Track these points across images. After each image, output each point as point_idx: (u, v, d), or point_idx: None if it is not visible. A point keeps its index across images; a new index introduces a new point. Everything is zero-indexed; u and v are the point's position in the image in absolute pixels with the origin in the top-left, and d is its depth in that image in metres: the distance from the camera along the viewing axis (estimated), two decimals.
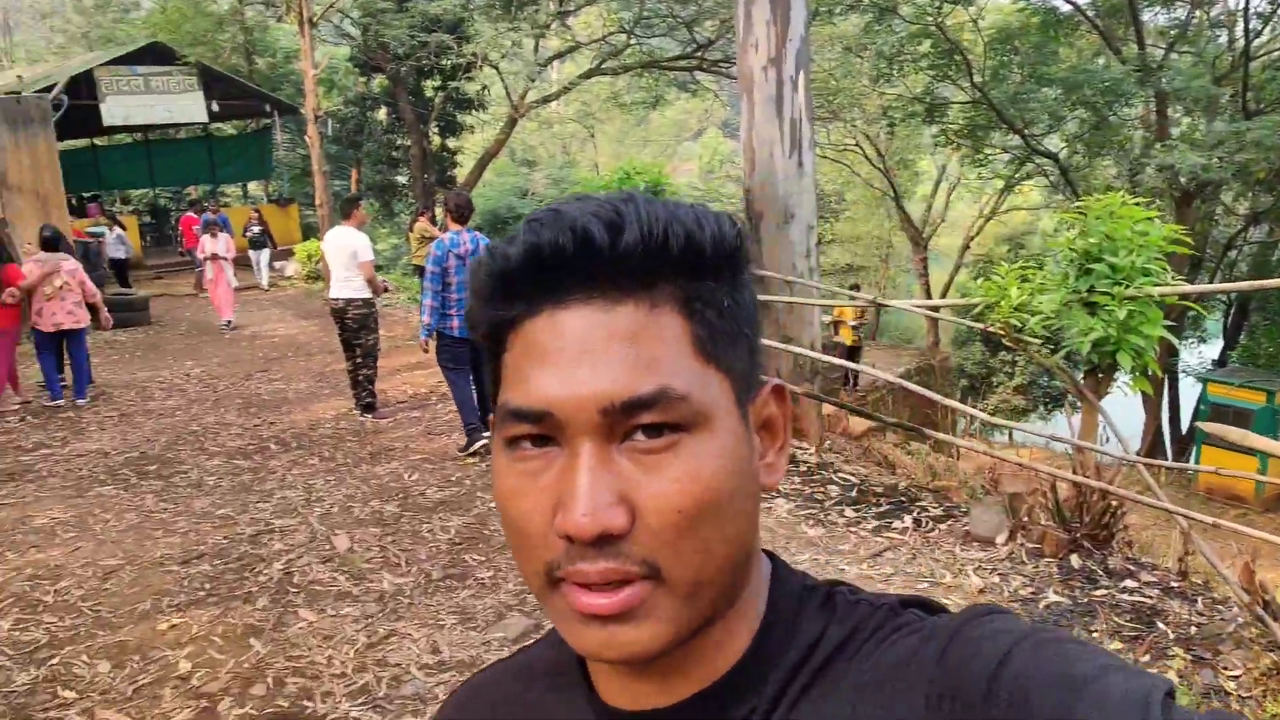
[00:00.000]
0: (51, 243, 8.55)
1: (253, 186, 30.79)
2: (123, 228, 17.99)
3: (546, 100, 24.89)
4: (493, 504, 5.43)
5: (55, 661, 3.76)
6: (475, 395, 6.40)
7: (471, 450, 6.37)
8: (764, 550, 0.63)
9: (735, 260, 0.57)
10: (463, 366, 6.37)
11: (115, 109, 20.55)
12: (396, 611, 4.11)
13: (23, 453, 7.05)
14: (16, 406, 8.40)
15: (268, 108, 24.08)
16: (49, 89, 15.52)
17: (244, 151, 26.62)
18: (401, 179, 28.37)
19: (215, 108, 22.30)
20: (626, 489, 0.52)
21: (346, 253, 7.21)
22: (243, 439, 7.18)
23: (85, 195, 23.48)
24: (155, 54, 21.51)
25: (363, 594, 4.30)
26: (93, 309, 8.74)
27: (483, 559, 4.64)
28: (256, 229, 17.57)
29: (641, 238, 0.53)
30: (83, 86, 19.32)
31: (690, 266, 0.55)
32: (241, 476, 6.21)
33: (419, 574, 4.50)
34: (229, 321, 13.10)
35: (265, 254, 17.75)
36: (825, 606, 0.62)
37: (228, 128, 28.31)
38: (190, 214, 18.97)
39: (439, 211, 15.93)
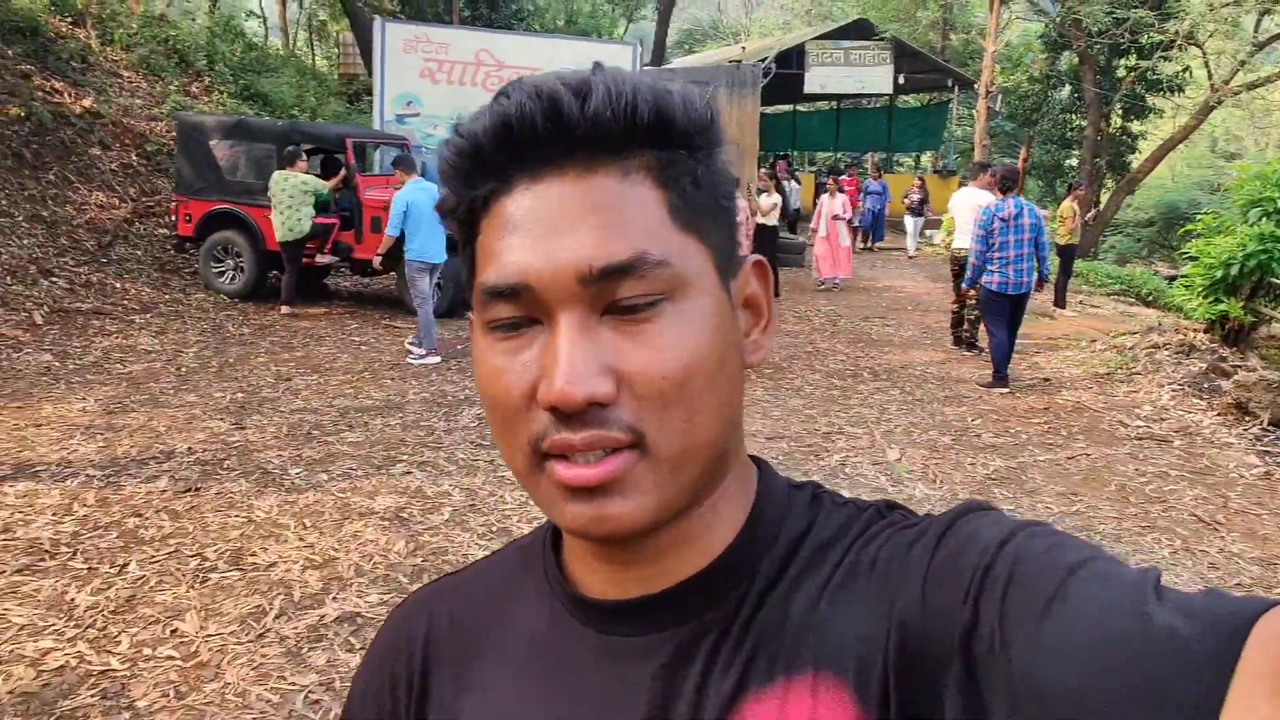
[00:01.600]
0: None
1: (925, 157, 32.35)
2: (798, 182, 20.47)
3: (1257, 85, 21.99)
4: (1040, 456, 5.75)
5: None
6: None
7: (991, 385, 7.44)
8: (750, 455, 0.63)
9: (707, 134, 0.56)
10: (999, 318, 7.28)
11: (815, 78, 23.26)
12: (917, 511, 4.79)
13: None
14: None
15: (949, 82, 25.08)
16: (764, 60, 18.35)
17: (921, 122, 27.99)
18: (1072, 161, 27.49)
19: (901, 80, 23.93)
20: (610, 358, 0.51)
21: (970, 209, 7.85)
22: (843, 364, 8.32)
23: (778, 154, 26.92)
24: (858, 30, 23.77)
25: (895, 493, 5.04)
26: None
27: (1009, 496, 5.06)
28: (916, 197, 17.86)
29: (610, 103, 0.52)
30: (793, 58, 22.24)
31: (661, 135, 0.54)
32: (832, 391, 7.32)
33: (948, 490, 5.10)
34: (834, 279, 13.12)
35: (919, 222, 18.16)
36: (812, 503, 0.62)
37: (911, 100, 29.96)
38: (845, 177, 19.34)
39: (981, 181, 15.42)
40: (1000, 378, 7.42)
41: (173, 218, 10.74)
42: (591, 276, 0.51)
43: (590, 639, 0.61)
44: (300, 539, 4.22)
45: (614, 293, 0.51)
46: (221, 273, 10.23)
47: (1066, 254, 12.40)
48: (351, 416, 6.13)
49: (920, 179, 19.09)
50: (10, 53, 12.14)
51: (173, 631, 3.39)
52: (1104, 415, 6.72)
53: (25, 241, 9.61)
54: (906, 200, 18.05)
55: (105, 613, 3.50)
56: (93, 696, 2.98)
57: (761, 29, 46.35)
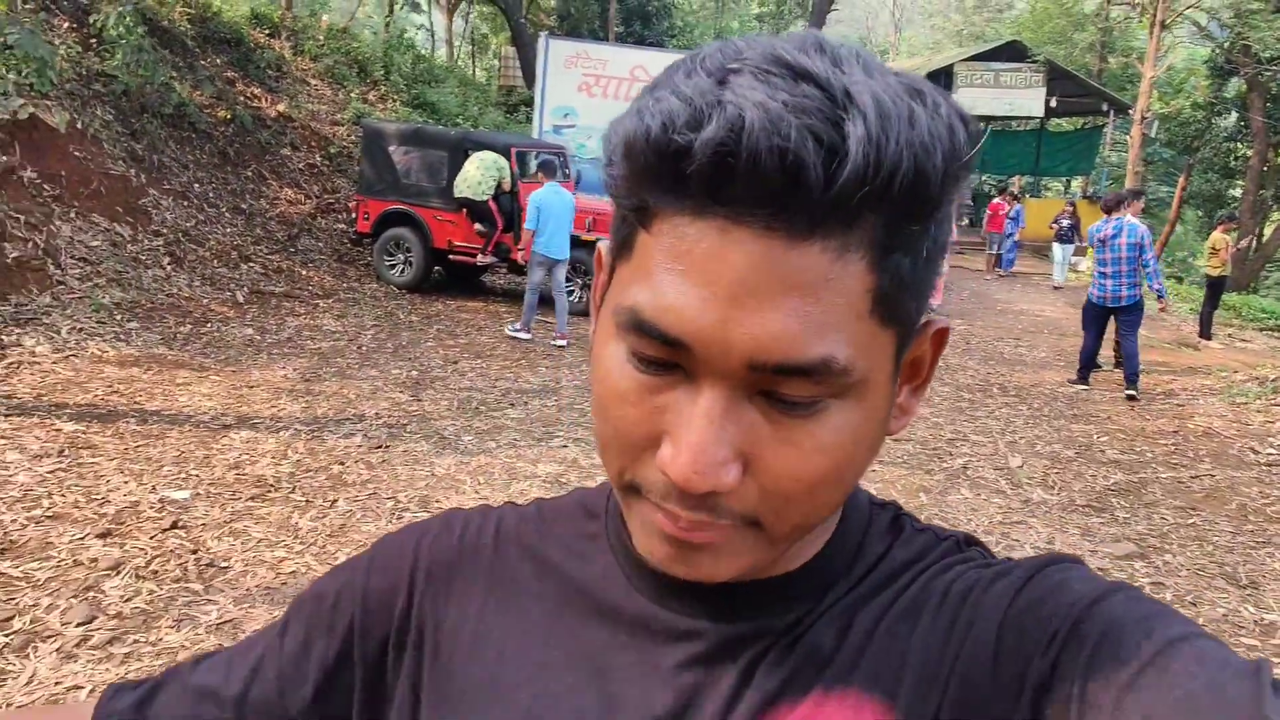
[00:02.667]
0: None
1: (1075, 182, 31.53)
2: None
3: None
4: (1163, 473, 5.94)
5: None
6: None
7: (1074, 381, 8.43)
8: None
9: (954, 180, 0.45)
10: (1091, 325, 8.16)
11: (964, 100, 22.15)
12: (1033, 513, 5.10)
13: None
14: None
15: (1105, 106, 24.52)
16: None
17: (1072, 146, 27.35)
18: (1235, 191, 26.40)
19: (1053, 104, 23.54)
20: (747, 445, 0.46)
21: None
22: (973, 380, 8.57)
23: None
24: (1010, 52, 23.51)
25: (1014, 496, 5.36)
26: None
27: (1125, 506, 5.30)
28: (1065, 223, 16.59)
29: (862, 178, 0.41)
30: (941, 78, 22.22)
31: (906, 206, 0.44)
32: (960, 403, 7.61)
33: (1065, 497, 5.38)
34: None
35: (1068, 249, 16.92)
36: (892, 527, 0.60)
37: (1063, 123, 29.32)
38: (998, 199, 19.29)
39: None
40: (1081, 377, 8.48)
41: (353, 215, 11.82)
42: (765, 368, 0.44)
43: (637, 603, 0.58)
44: (475, 492, 4.87)
45: (778, 385, 0.45)
46: (393, 266, 11.19)
47: (1215, 286, 12.17)
48: (512, 396, 6.82)
49: (1071, 204, 17.85)
50: (219, 61, 13.53)
51: None
52: (1234, 441, 6.81)
53: (228, 230, 10.79)
54: (1054, 226, 17.01)
55: (324, 535, 4.21)
56: None
57: (910, 48, 45.97)
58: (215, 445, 5.25)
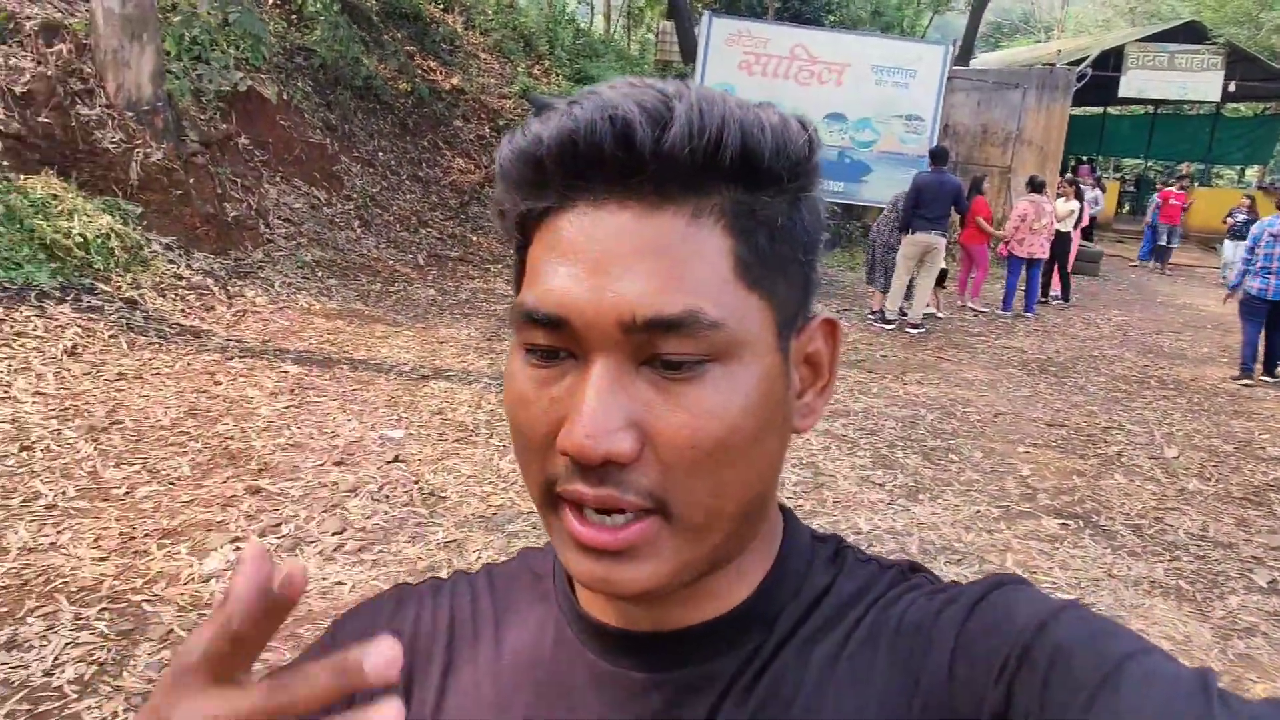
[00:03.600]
0: (1039, 187, 10.79)
1: (1250, 171, 29.82)
2: (1102, 190, 19.76)
3: None
4: None
5: (936, 442, 5.88)
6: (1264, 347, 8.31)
7: (1237, 376, 8.40)
8: (779, 504, 0.61)
9: (799, 173, 0.51)
10: (1254, 320, 8.13)
11: (1133, 82, 22.16)
12: (1187, 501, 5.21)
13: (968, 336, 9.55)
14: (978, 310, 11.03)
15: None
16: (1079, 62, 17.93)
17: (1250, 133, 25.89)
18: None
19: (1232, 88, 22.33)
20: (640, 414, 0.48)
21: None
22: (1130, 371, 8.54)
23: (1082, 157, 25.82)
24: (1189, 32, 22.37)
25: (1169, 485, 5.46)
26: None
27: (1270, 528, 5.35)
28: (1241, 217, 14.81)
29: (690, 136, 0.47)
30: (1110, 59, 21.37)
31: (744, 175, 0.49)
32: (1115, 393, 7.64)
33: (1221, 488, 5.46)
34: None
35: (1240, 247, 15.28)
36: (835, 560, 0.60)
37: (1240, 108, 27.72)
38: (1169, 188, 17.90)
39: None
40: (1245, 372, 8.41)
41: None
42: (635, 326, 0.47)
43: (590, 663, 0.59)
44: None
45: (657, 346, 0.48)
46: None
47: None
48: None
49: (1249, 198, 16.10)
50: (400, 35, 14.38)
51: None
52: None
53: (408, 197, 11.59)
54: (1229, 221, 15.41)
55: (521, 477, 4.74)
56: (526, 525, 4.18)
57: (1077, 24, 44.00)
58: (418, 393, 5.88)
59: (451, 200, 12.28)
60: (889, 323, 9.45)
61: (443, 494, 4.44)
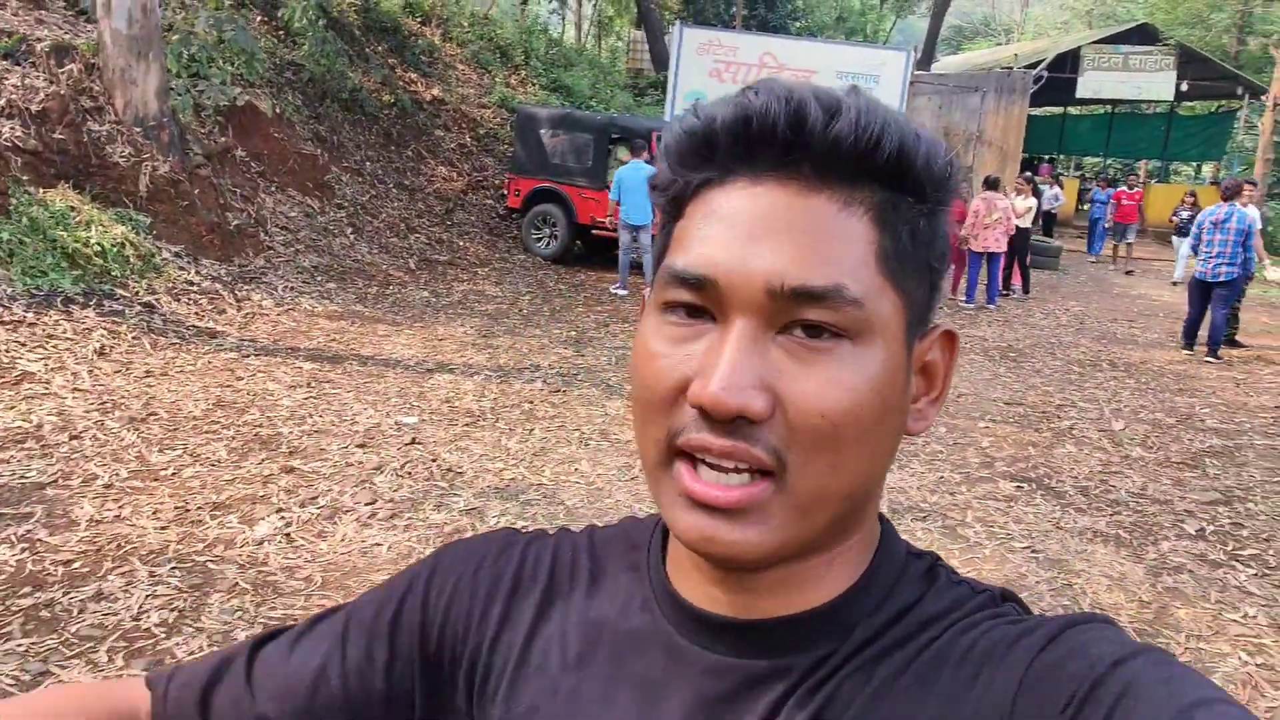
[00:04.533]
0: (993, 185, 11.39)
1: (1206, 167, 30.74)
2: (1061, 188, 20.47)
3: None
4: (1258, 441, 6.49)
5: None
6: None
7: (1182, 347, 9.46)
8: (880, 515, 0.62)
9: (940, 186, 0.55)
10: (1196, 299, 8.91)
11: (1090, 83, 22.95)
12: (1130, 466, 5.76)
13: None
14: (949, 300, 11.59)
15: (1239, 90, 23.98)
16: (1037, 64, 18.64)
17: (1204, 131, 26.73)
18: None
19: (1184, 87, 23.13)
20: (773, 378, 0.50)
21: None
22: (1084, 355, 9.14)
23: (1043, 156, 26.55)
24: (1141, 34, 23.18)
25: (1114, 453, 6.01)
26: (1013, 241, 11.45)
27: (1218, 466, 5.90)
28: (1185, 214, 15.11)
29: (856, 129, 0.51)
30: (1067, 61, 22.13)
31: (894, 176, 0.53)
32: (1070, 375, 8.22)
33: (1162, 455, 6.02)
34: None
35: (1187, 243, 14.68)
36: (927, 576, 0.60)
37: (1195, 106, 28.59)
38: (1123, 189, 17.77)
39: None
40: (1188, 344, 9.49)
41: (502, 191, 12.93)
42: (781, 292, 0.50)
43: (667, 636, 0.60)
44: None
45: (797, 314, 0.50)
46: (539, 239, 12.25)
47: None
48: None
49: (1192, 193, 16.55)
50: (380, 48, 14.80)
51: (575, 469, 5.05)
52: None
53: (395, 205, 12.01)
54: (1174, 218, 15.74)
55: (529, 455, 5.21)
56: (536, 495, 4.65)
57: (1037, 26, 45.01)
58: (425, 385, 6.33)
59: (437, 207, 12.71)
60: None
61: (459, 470, 4.90)
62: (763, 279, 0.50)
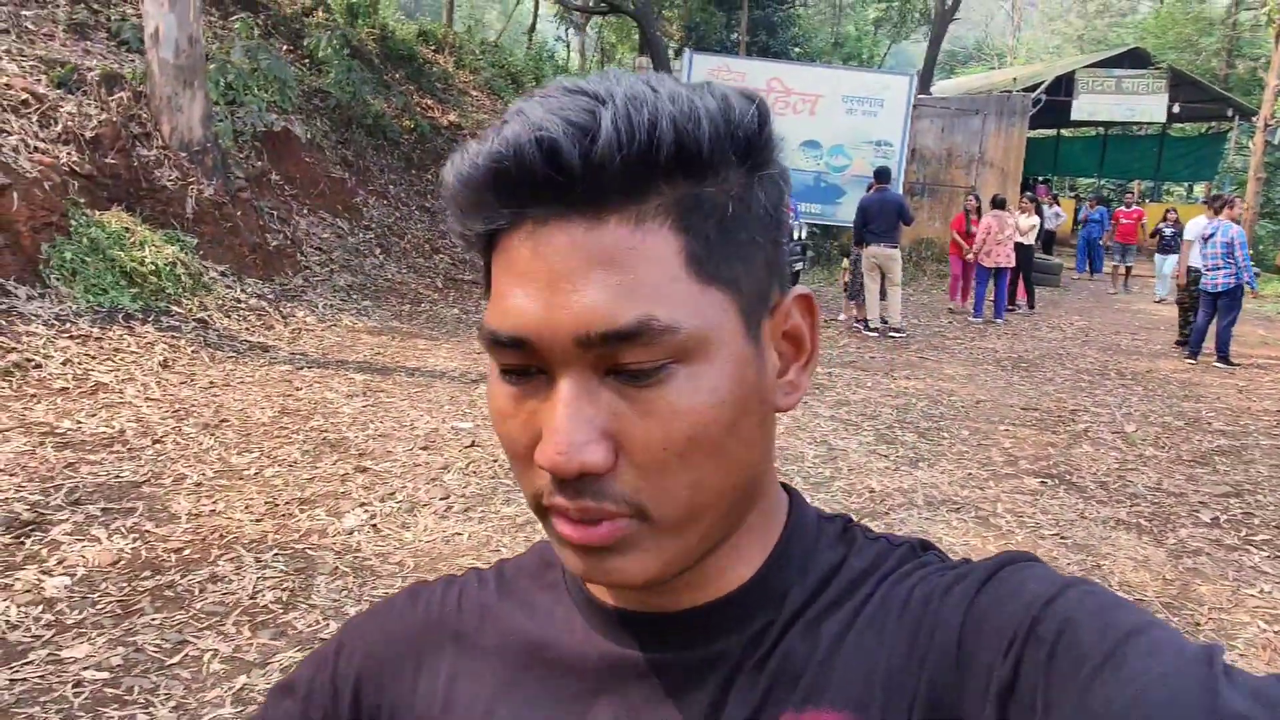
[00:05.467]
0: (1001, 205, 11.80)
1: (1199, 187, 31.29)
2: (1060, 208, 20.93)
3: None
4: (1263, 441, 6.83)
5: (928, 424, 6.74)
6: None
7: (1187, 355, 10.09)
8: (781, 483, 0.62)
9: (750, 151, 0.51)
10: (1205, 308, 9.40)
11: (1085, 105, 23.47)
12: (1145, 464, 6.09)
13: (946, 339, 10.48)
14: (954, 313, 11.97)
15: (1229, 112, 24.53)
16: (1034, 87, 19.13)
17: (1195, 152, 27.28)
18: None
19: (1176, 109, 23.67)
20: (610, 424, 0.49)
21: (1197, 234, 9.22)
22: (1092, 365, 9.51)
23: (1040, 178, 27.07)
24: (1133, 58, 23.76)
25: (1129, 452, 6.35)
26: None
27: (1226, 464, 6.24)
28: (1168, 232, 14.96)
29: (619, 145, 0.47)
30: (1061, 84, 22.67)
31: (685, 168, 0.49)
32: (1080, 383, 8.58)
33: (1174, 454, 6.36)
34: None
35: (1169, 261, 14.96)
36: (843, 537, 0.61)
37: (1186, 127, 29.18)
38: (1123, 208, 17.92)
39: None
40: (1194, 352, 9.99)
41: None
42: (591, 340, 0.48)
43: (598, 645, 0.60)
44: None
45: (616, 356, 0.48)
46: None
47: None
48: None
49: (1172, 209, 16.22)
50: (399, 75, 15.23)
51: None
52: None
53: (419, 226, 12.38)
54: (1156, 237, 15.47)
55: None
56: None
57: (1029, 51, 45.79)
58: (473, 393, 6.66)
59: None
60: (872, 330, 10.36)
61: None
62: (569, 332, 0.48)
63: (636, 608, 0.59)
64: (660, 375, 0.49)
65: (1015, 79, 22.56)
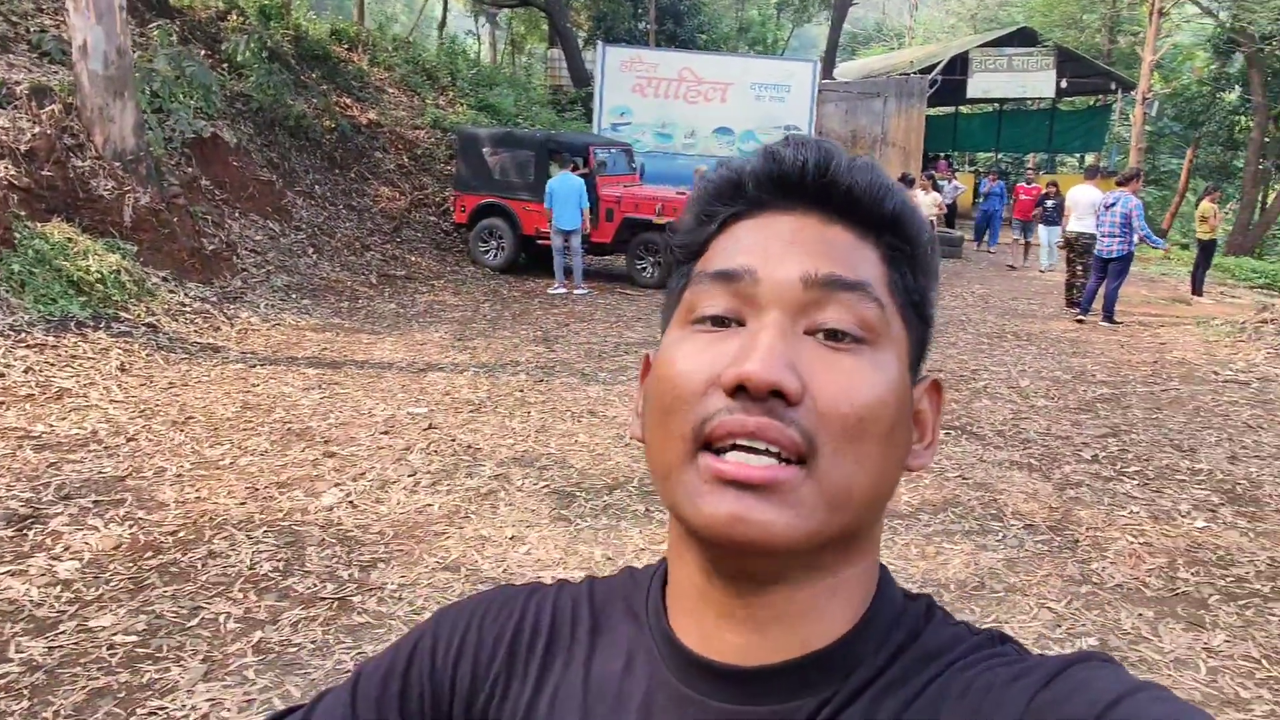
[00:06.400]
0: (909, 183, 12.62)
1: (1089, 157, 32.92)
2: (960, 185, 21.93)
3: None
4: (1140, 389, 7.64)
5: None
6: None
7: (1077, 315, 10.97)
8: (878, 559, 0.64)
9: (926, 258, 0.62)
10: (1095, 273, 10.44)
11: (979, 84, 24.60)
12: (1037, 413, 6.81)
13: None
14: None
15: (1113, 85, 25.94)
16: (931, 68, 20.08)
17: (1083, 124, 28.66)
18: (1239, 162, 27.80)
19: (1063, 84, 24.95)
20: (803, 367, 0.53)
21: (1087, 202, 10.10)
22: (991, 329, 10.33)
23: (940, 154, 28.21)
24: (1022, 37, 24.96)
25: (1022, 404, 7.07)
26: None
27: (1106, 409, 7.00)
28: (1050, 204, 14.88)
29: (870, 184, 0.58)
30: (956, 63, 23.74)
31: (893, 231, 0.60)
32: (980, 345, 9.36)
33: (1061, 402, 7.10)
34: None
35: (1054, 231, 14.76)
36: (925, 615, 0.62)
37: (1074, 101, 30.65)
38: (1021, 184, 17.72)
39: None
40: (1084, 311, 10.90)
41: (449, 207, 13.62)
42: (815, 279, 0.54)
43: (672, 687, 0.61)
44: (622, 408, 6.65)
45: (825, 309, 0.54)
46: (487, 251, 12.98)
47: (1206, 248, 13.78)
48: (623, 347, 8.60)
49: (1053, 183, 16.00)
50: (315, 75, 15.33)
51: (575, 441, 5.86)
52: (1201, 367, 8.51)
53: (347, 225, 12.61)
54: (1038, 209, 15.40)
55: (532, 431, 6.00)
56: (549, 461, 5.45)
57: (926, 30, 47.25)
58: (422, 382, 7.06)
59: (385, 226, 13.34)
60: None
61: (477, 447, 5.67)
62: (798, 269, 0.55)
63: (715, 657, 0.59)
64: (854, 345, 0.55)
65: (913, 61, 23.54)
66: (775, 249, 0.57)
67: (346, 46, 17.59)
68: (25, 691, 3.07)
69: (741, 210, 0.60)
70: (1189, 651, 3.52)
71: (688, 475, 0.54)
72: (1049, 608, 3.85)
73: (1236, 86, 26.98)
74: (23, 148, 7.99)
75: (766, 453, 0.52)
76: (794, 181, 0.59)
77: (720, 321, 0.56)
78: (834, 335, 0.55)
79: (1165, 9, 19.46)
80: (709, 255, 0.60)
